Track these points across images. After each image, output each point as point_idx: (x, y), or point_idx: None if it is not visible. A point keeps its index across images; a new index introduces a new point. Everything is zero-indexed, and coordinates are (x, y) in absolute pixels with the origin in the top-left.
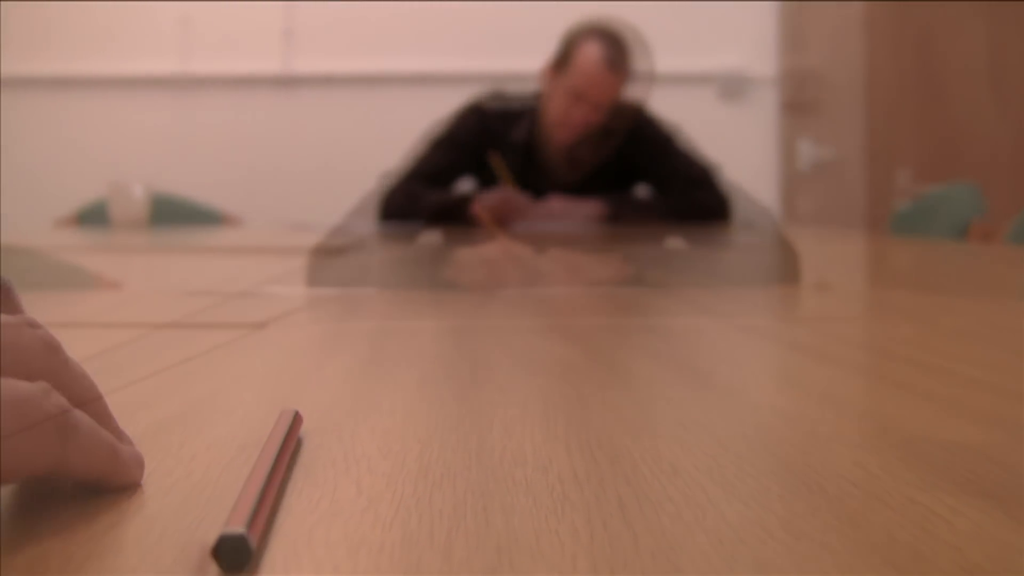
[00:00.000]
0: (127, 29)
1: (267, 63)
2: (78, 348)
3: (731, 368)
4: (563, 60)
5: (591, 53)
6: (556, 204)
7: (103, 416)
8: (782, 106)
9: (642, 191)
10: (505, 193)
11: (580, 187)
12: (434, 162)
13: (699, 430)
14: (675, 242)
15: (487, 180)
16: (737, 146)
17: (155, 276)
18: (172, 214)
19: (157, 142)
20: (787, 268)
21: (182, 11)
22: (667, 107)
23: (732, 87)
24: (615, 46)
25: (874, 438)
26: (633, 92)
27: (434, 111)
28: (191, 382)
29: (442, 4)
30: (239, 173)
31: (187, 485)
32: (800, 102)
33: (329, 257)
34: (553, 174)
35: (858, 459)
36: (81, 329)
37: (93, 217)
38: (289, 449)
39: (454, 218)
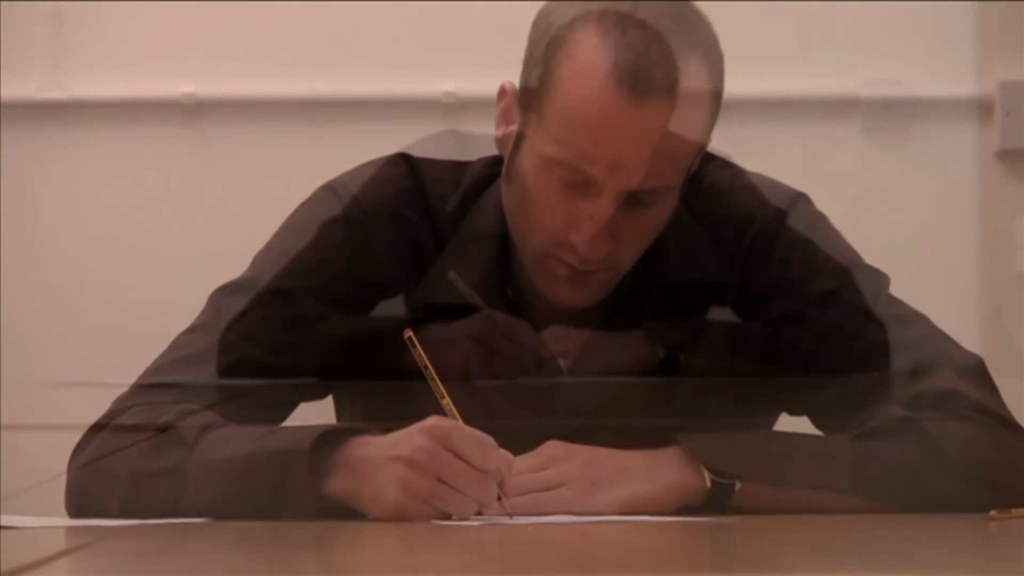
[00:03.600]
0: None
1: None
2: None
3: None
4: (536, 81)
5: (592, 57)
6: (570, 340)
7: None
8: (984, 156)
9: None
10: (487, 326)
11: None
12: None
13: None
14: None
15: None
16: (890, 224)
17: None
18: None
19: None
20: None
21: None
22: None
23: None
24: (647, 41)
25: None
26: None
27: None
28: None
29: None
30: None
31: None
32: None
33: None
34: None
35: None
36: None
37: None
38: None
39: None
